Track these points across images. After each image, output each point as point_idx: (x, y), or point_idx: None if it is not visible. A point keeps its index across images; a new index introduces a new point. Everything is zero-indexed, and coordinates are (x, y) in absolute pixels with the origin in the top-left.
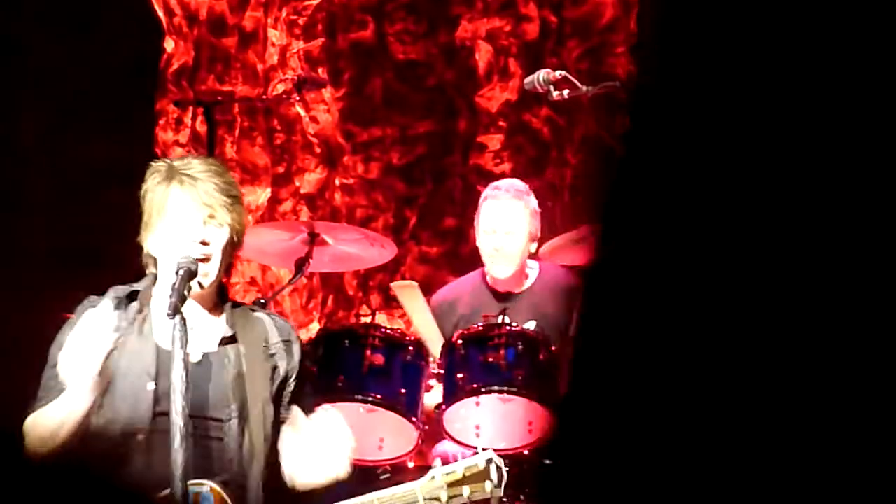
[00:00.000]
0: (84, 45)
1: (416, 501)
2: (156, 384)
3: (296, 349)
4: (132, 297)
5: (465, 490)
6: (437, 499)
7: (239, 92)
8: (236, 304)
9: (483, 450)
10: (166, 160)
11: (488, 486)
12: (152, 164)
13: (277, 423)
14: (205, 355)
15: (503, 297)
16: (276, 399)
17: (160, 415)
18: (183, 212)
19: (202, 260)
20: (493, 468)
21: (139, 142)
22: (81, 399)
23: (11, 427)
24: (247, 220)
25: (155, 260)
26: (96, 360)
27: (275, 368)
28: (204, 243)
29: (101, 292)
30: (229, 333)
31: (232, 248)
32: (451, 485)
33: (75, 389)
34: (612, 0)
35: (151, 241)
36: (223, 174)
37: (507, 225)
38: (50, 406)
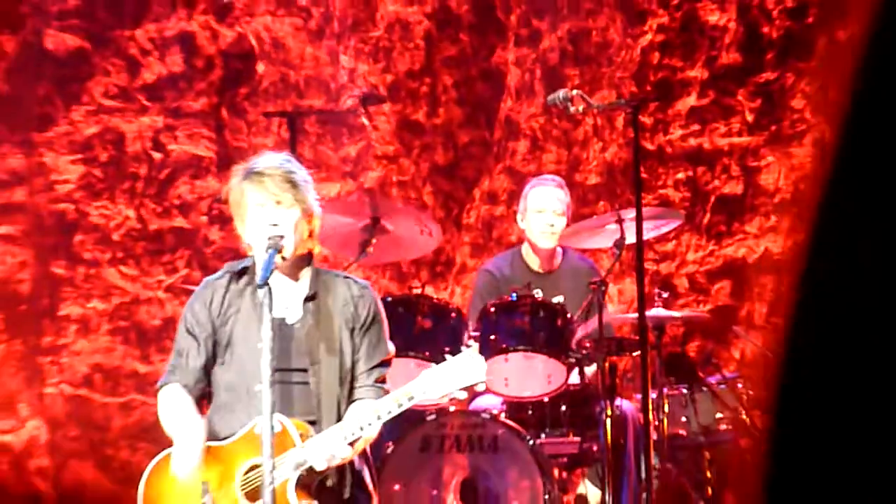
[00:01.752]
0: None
1: (412, 398)
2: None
3: (364, 305)
4: (242, 272)
5: (451, 383)
6: (425, 392)
7: (315, 106)
8: (321, 272)
9: (468, 346)
10: (243, 164)
11: (472, 377)
12: (233, 167)
13: (353, 374)
14: (299, 318)
15: (539, 275)
16: (354, 347)
17: (275, 370)
18: (255, 203)
19: (279, 237)
20: (474, 362)
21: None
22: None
23: None
24: (313, 197)
25: (250, 247)
26: (214, 317)
27: (347, 321)
28: (274, 225)
29: None
30: (310, 293)
31: (305, 223)
32: (440, 379)
33: (187, 432)
34: (620, 34)
35: (241, 229)
36: (284, 165)
37: (557, 206)
38: (172, 409)
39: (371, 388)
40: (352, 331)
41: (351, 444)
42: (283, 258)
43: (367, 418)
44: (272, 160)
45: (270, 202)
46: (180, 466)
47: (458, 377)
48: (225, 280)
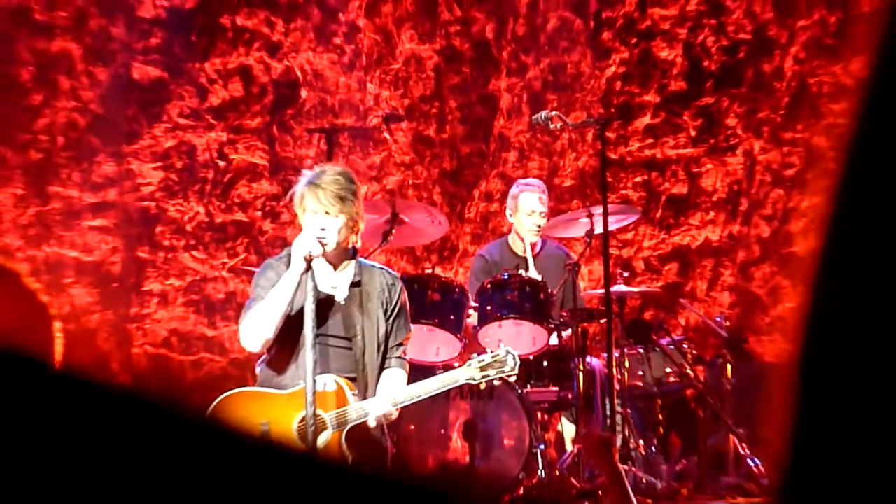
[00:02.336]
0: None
1: (457, 381)
2: (319, 316)
3: (396, 292)
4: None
5: (492, 371)
6: (473, 378)
7: (348, 123)
8: (364, 264)
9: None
10: (313, 169)
11: (507, 370)
12: (304, 171)
13: (386, 346)
14: (345, 298)
15: (523, 259)
16: (387, 326)
17: (324, 337)
18: (311, 210)
19: (321, 238)
20: (510, 358)
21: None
22: (287, 290)
23: None
24: (358, 211)
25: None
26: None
27: (383, 304)
28: (322, 229)
29: None
30: (357, 280)
31: (348, 229)
32: (482, 368)
33: (278, 287)
34: (590, 66)
35: (301, 221)
36: (340, 181)
37: (543, 208)
38: (261, 303)
39: (396, 360)
40: (386, 312)
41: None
42: (325, 250)
43: (416, 393)
44: (330, 175)
45: (321, 211)
46: (308, 245)
47: (496, 368)
48: (285, 260)
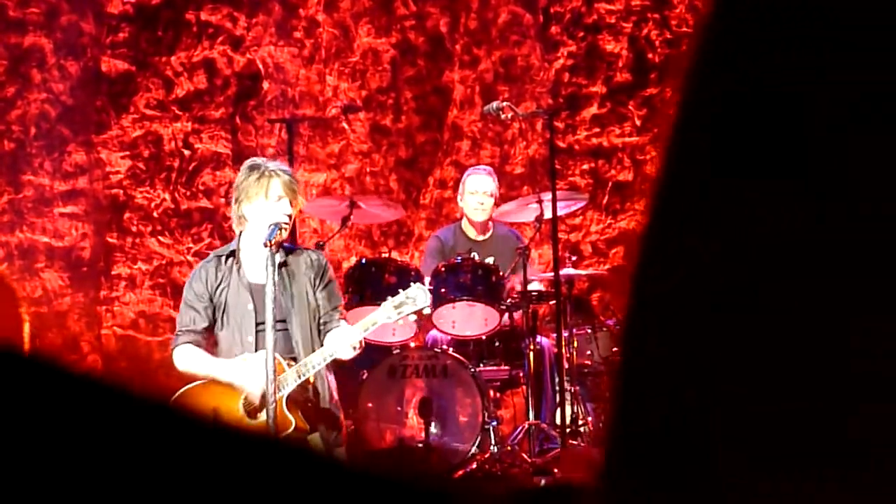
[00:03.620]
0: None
1: (375, 322)
2: (253, 305)
3: (321, 266)
4: (230, 255)
5: (406, 308)
6: (390, 317)
7: (307, 114)
8: (289, 248)
9: (415, 284)
10: (258, 161)
11: (419, 303)
12: (251, 160)
13: (318, 320)
14: (275, 284)
15: (475, 242)
16: (318, 297)
17: (259, 324)
18: (277, 195)
19: (285, 223)
20: (420, 293)
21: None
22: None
23: None
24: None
25: (245, 221)
26: (210, 290)
27: (310, 280)
28: (288, 214)
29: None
30: (282, 261)
31: (293, 217)
32: (396, 307)
33: (217, 370)
34: (539, 59)
35: (248, 209)
36: (290, 172)
37: (488, 189)
38: (197, 357)
39: (336, 322)
40: (314, 287)
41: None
42: (282, 237)
43: (340, 343)
44: (283, 166)
45: (287, 197)
46: (246, 379)
47: (409, 305)
48: (214, 262)
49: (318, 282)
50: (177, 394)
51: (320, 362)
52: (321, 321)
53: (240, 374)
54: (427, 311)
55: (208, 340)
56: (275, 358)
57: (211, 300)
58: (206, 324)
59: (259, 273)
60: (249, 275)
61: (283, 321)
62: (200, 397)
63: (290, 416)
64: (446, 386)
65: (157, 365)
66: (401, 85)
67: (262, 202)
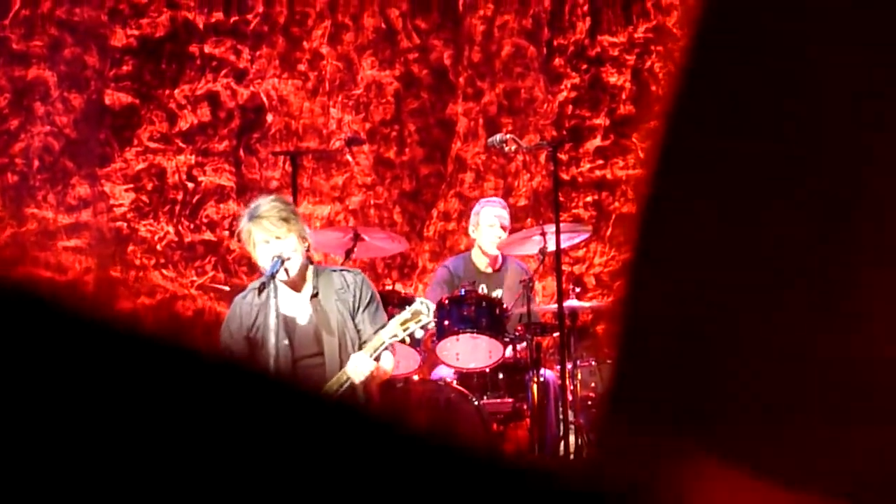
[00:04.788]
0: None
1: (383, 342)
2: (288, 340)
3: (357, 287)
4: (262, 286)
5: (412, 325)
6: (396, 335)
7: (311, 147)
8: (321, 271)
9: (417, 299)
10: (248, 206)
11: (423, 318)
12: (241, 211)
13: (359, 346)
14: (309, 315)
15: (485, 275)
16: (357, 322)
17: (296, 360)
18: (261, 241)
19: (284, 261)
20: (423, 307)
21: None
22: None
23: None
24: (302, 225)
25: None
26: (245, 330)
27: (346, 303)
28: (279, 255)
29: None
30: (314, 292)
31: (301, 244)
32: (402, 323)
33: None
34: (543, 91)
35: (256, 257)
36: (276, 205)
37: (503, 222)
38: None
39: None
40: (353, 310)
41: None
42: (289, 273)
43: (365, 353)
44: (265, 204)
45: (271, 237)
46: None
47: (415, 321)
48: (250, 297)
49: (356, 305)
50: None
51: (336, 391)
52: (361, 347)
53: None
54: (432, 325)
55: None
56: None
57: (248, 339)
58: None
59: (292, 305)
60: (284, 307)
61: (320, 353)
62: None
63: None
64: (450, 418)
65: None
66: (404, 117)
67: (256, 251)
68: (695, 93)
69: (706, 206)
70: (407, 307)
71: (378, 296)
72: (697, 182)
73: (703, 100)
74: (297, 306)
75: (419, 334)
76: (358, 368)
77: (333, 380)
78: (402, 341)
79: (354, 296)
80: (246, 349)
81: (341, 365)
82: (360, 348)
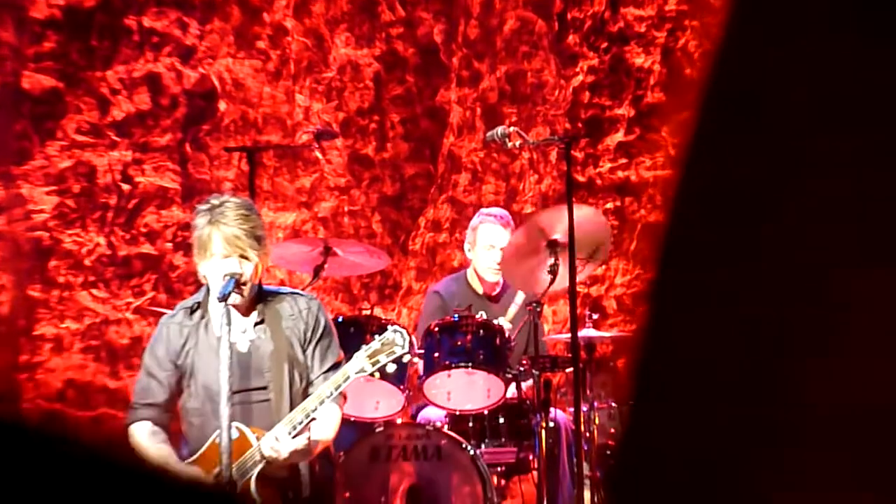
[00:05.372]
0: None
1: (347, 376)
2: (229, 371)
3: (311, 315)
4: (196, 307)
5: (382, 357)
6: (364, 369)
7: (273, 141)
8: (268, 293)
9: (392, 323)
10: (209, 201)
11: (397, 349)
12: (198, 205)
13: (304, 384)
14: (250, 342)
15: (484, 299)
16: (308, 357)
17: (236, 393)
18: (222, 254)
19: (239, 282)
20: (397, 336)
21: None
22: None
23: None
24: (269, 248)
25: (205, 278)
26: (173, 355)
27: (296, 333)
28: (239, 274)
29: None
30: (259, 319)
31: (258, 271)
32: (371, 356)
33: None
34: (554, 75)
35: (202, 266)
36: (250, 217)
37: (504, 243)
38: (150, 444)
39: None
40: (303, 342)
41: (301, 434)
42: (242, 297)
43: (311, 405)
44: (238, 212)
45: (235, 254)
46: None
47: (386, 352)
48: (179, 317)
49: (309, 336)
50: None
51: (296, 426)
52: (309, 386)
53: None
54: (408, 357)
55: (171, 415)
56: (242, 433)
57: (176, 365)
58: (166, 396)
59: (232, 329)
60: (219, 331)
61: (263, 388)
62: None
63: (258, 500)
64: (440, 471)
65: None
66: (386, 106)
67: (209, 261)
68: (734, 78)
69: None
70: (375, 337)
71: (334, 330)
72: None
73: (742, 88)
74: (237, 331)
75: (391, 368)
76: (276, 447)
77: (246, 457)
78: (371, 376)
79: (307, 324)
80: (174, 377)
81: (292, 404)
82: (304, 392)
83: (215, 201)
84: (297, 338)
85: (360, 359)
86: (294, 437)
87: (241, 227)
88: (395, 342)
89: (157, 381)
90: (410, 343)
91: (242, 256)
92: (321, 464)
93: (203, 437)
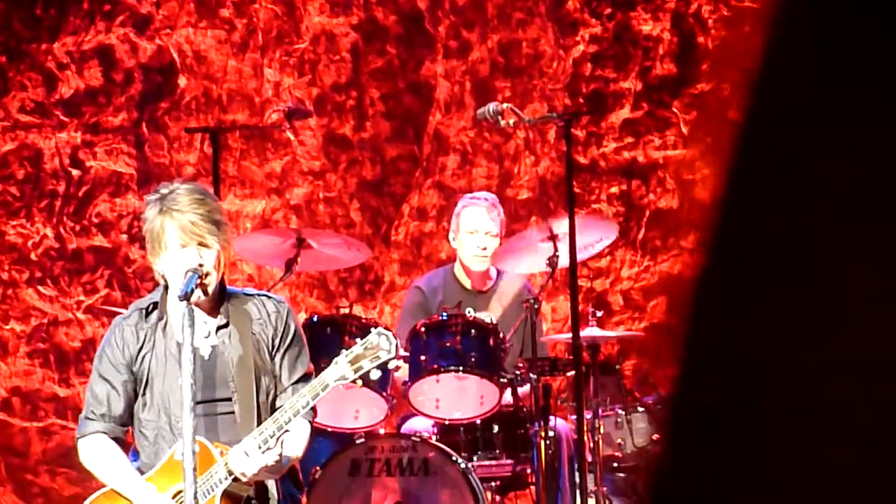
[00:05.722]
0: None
1: (326, 385)
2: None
3: (280, 320)
4: (152, 308)
5: (365, 362)
6: (345, 377)
7: (239, 120)
8: (232, 295)
9: (375, 324)
10: (158, 191)
11: (382, 354)
12: (146, 197)
13: (271, 396)
14: (213, 348)
15: (471, 293)
16: (275, 365)
17: (198, 403)
18: (179, 244)
19: (202, 276)
20: (383, 340)
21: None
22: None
23: None
24: (230, 235)
25: (164, 276)
26: (128, 359)
27: (264, 339)
28: (200, 266)
29: None
30: (223, 322)
31: (222, 261)
32: (353, 361)
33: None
34: (552, 44)
35: (159, 263)
36: (205, 201)
37: (490, 227)
38: (104, 457)
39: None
40: (271, 349)
41: (272, 449)
42: (206, 293)
43: (284, 417)
44: (190, 195)
45: (193, 243)
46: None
47: (370, 357)
48: (134, 318)
49: (278, 342)
50: (94, 497)
51: (267, 440)
52: (276, 398)
53: (145, 497)
54: (394, 363)
55: (129, 424)
56: (204, 447)
57: (131, 371)
58: (123, 404)
59: (195, 336)
60: (179, 335)
61: (228, 399)
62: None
63: None
64: (428, 487)
65: (38, 460)
66: (365, 81)
67: (165, 255)
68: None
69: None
70: (358, 340)
71: (304, 336)
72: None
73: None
74: (199, 336)
75: (375, 375)
76: (245, 462)
77: (210, 473)
78: (353, 383)
79: (275, 330)
80: (130, 385)
81: (258, 417)
82: (272, 405)
83: (164, 190)
84: (265, 344)
85: (342, 365)
86: (264, 452)
87: (196, 212)
88: (381, 346)
89: (113, 388)
90: (396, 347)
91: (201, 244)
92: (286, 484)
93: (157, 451)
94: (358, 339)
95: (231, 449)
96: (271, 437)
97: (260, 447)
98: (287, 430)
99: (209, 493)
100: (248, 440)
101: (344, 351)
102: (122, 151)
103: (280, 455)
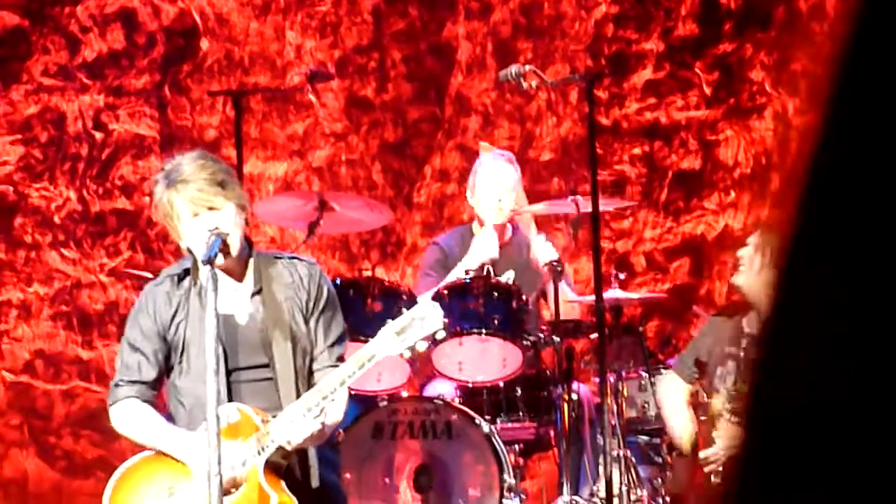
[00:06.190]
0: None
1: (374, 356)
2: (223, 345)
3: (313, 284)
4: (184, 274)
5: (412, 333)
6: (392, 349)
7: (261, 83)
8: (263, 258)
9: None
10: (162, 168)
11: (430, 326)
12: (154, 177)
13: (308, 361)
14: (249, 314)
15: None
16: (311, 328)
17: (233, 371)
18: (189, 214)
19: (224, 237)
20: (431, 309)
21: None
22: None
23: None
24: (242, 191)
25: (188, 249)
26: (161, 327)
27: (299, 304)
28: (215, 231)
29: None
30: (255, 288)
31: (241, 217)
32: (399, 333)
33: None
34: (574, 5)
35: (178, 238)
36: (206, 165)
37: (507, 182)
38: (141, 419)
39: (332, 369)
40: (305, 313)
41: (317, 417)
42: (229, 255)
43: (329, 386)
44: (191, 164)
45: (203, 209)
46: (198, 455)
47: (417, 328)
48: (167, 284)
49: (311, 306)
50: (119, 470)
51: (311, 409)
52: (313, 361)
53: (190, 449)
54: (442, 333)
55: (157, 393)
56: (245, 415)
57: (164, 339)
58: (155, 372)
59: (228, 298)
60: (219, 303)
61: (265, 366)
62: (149, 475)
63: (270, 491)
64: (451, 449)
65: (62, 423)
66: (386, 43)
67: (181, 227)
68: None
69: None
70: (405, 310)
71: (337, 299)
72: None
73: None
74: (234, 301)
75: (422, 347)
76: (290, 430)
77: (250, 441)
78: (400, 355)
79: (309, 293)
80: (162, 353)
81: (297, 382)
82: (309, 369)
83: (168, 166)
84: (299, 308)
85: (388, 336)
86: (309, 420)
87: (200, 179)
88: (428, 317)
89: (144, 356)
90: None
91: (211, 208)
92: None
93: (195, 419)
94: (404, 309)
95: (274, 417)
96: (315, 405)
97: (304, 415)
98: (333, 399)
99: (253, 460)
100: (291, 408)
101: (390, 321)
102: (144, 114)
103: (323, 423)
